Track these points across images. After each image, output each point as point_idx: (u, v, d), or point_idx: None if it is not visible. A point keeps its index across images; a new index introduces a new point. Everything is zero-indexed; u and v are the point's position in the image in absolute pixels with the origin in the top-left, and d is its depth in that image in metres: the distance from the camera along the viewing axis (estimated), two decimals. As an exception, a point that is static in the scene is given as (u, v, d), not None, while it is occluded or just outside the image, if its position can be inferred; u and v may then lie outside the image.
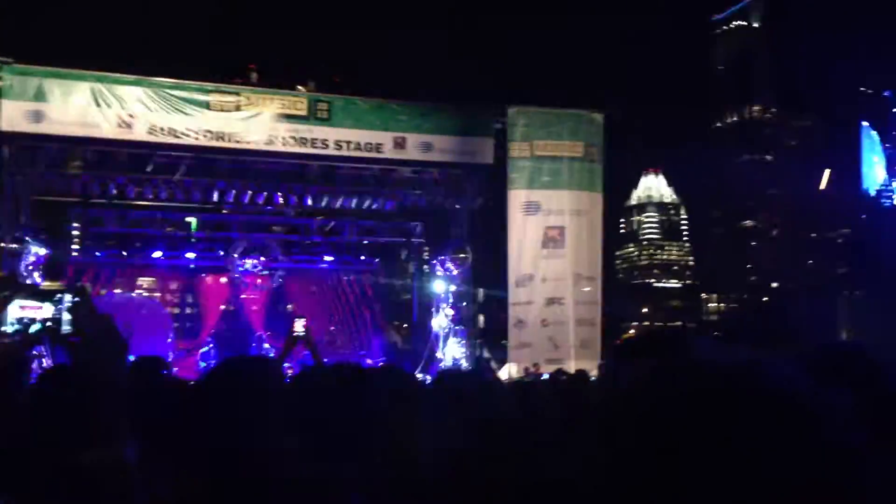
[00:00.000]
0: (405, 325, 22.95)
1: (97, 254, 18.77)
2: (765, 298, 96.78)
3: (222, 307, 20.09)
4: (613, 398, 0.80)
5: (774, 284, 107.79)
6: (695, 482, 0.70)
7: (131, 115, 15.56)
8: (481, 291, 19.37)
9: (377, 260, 20.50)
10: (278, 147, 16.46)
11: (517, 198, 17.87)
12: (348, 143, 16.82)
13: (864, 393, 1.46)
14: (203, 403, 2.30)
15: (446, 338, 18.30)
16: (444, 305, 18.49)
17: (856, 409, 0.76)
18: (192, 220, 19.26)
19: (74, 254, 18.95)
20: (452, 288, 18.53)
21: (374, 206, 19.39)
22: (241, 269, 19.19)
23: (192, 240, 19.34)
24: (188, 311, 21.61)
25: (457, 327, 18.29)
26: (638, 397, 0.78)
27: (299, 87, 17.35)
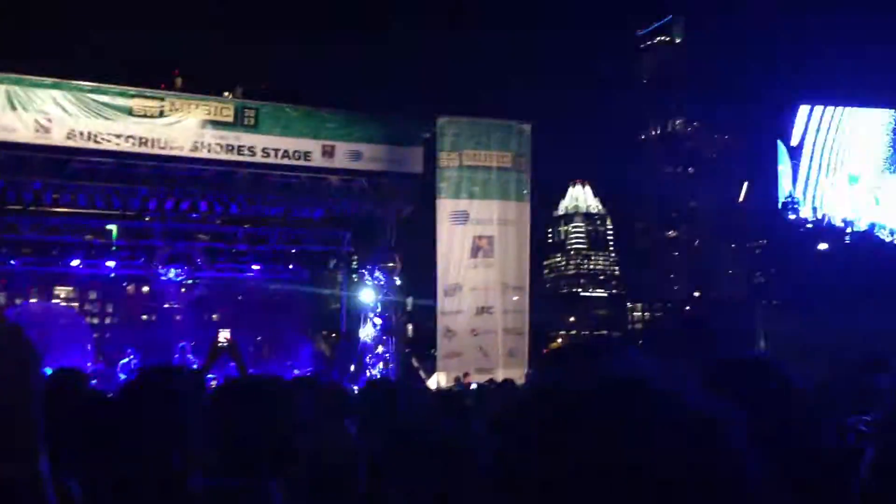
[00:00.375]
0: (333, 335, 22.77)
1: (12, 262, 18.11)
2: (687, 308, 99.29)
3: (144, 317, 19.60)
4: (515, 403, 0.80)
5: (697, 294, 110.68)
6: (579, 488, 0.70)
7: (49, 119, 15.06)
8: (410, 300, 19.36)
9: (305, 269, 20.29)
10: (204, 154, 16.16)
11: (445, 207, 17.94)
12: (276, 150, 16.63)
13: (763, 409, 1.51)
14: (121, 416, 2.25)
15: (375, 347, 18.21)
16: (373, 315, 18.41)
17: (752, 425, 0.77)
18: (113, 228, 18.74)
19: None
20: (381, 297, 18.45)
21: (302, 215, 19.19)
22: (163, 278, 18.76)
23: (113, 248, 18.82)
24: (108, 321, 21.03)
25: (385, 337, 18.22)
26: (528, 404, 0.78)
27: (226, 94, 17.09)
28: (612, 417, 0.71)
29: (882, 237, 22.69)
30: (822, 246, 22.50)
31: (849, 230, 23.02)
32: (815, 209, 22.61)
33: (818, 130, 21.65)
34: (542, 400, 0.77)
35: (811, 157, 22.01)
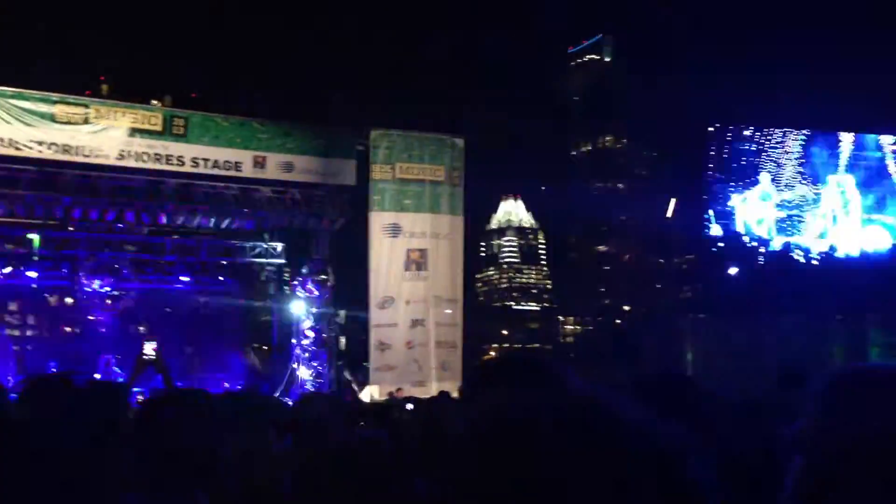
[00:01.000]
0: (265, 348, 22.45)
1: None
2: (617, 321, 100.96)
3: (67, 329, 19.01)
4: (467, 423, 0.79)
5: (626, 308, 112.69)
6: None
7: (-33, 125, 14.56)
8: (343, 313, 19.26)
9: (236, 281, 19.97)
10: (130, 163, 15.84)
11: (379, 219, 17.92)
12: (206, 160, 16.40)
13: (689, 422, 1.54)
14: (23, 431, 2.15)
15: (307, 360, 18.03)
16: (305, 327, 18.23)
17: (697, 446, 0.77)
18: (35, 237, 18.15)
19: None
20: (313, 309, 18.30)
21: (233, 226, 18.91)
22: (87, 289, 18.23)
23: (35, 258, 18.22)
24: (30, 333, 20.34)
25: (318, 349, 18.06)
26: (482, 424, 0.77)
27: (154, 102, 16.77)
28: (569, 446, 0.70)
29: (796, 257, 23.53)
30: (732, 270, 23.21)
31: (762, 249, 23.81)
32: (724, 226, 23.31)
33: (733, 149, 22.31)
34: (486, 433, 0.75)
35: (729, 175, 22.68)
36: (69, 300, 18.90)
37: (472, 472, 0.74)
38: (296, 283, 18.61)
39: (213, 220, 18.48)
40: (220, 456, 2.25)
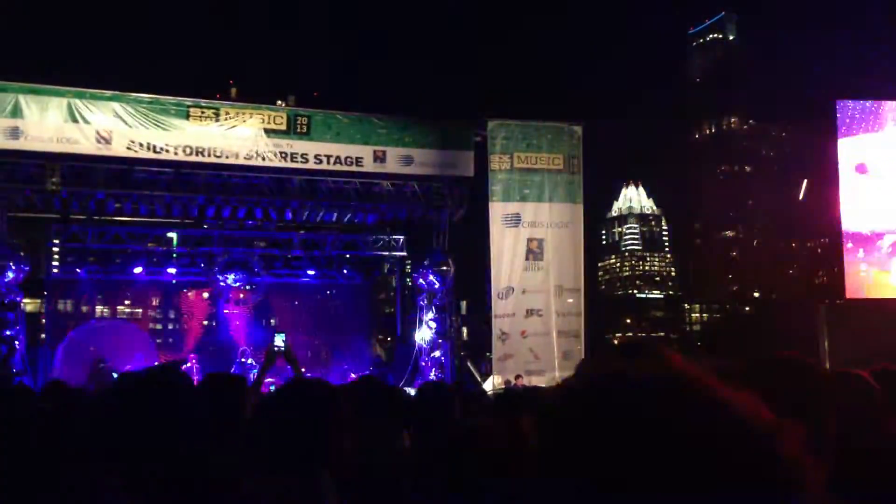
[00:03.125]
0: (389, 339, 22.92)
1: (78, 270, 18.64)
2: (746, 308, 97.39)
3: (205, 322, 19.99)
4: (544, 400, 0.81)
5: (756, 294, 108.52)
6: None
7: (109, 131, 15.49)
8: (464, 304, 19.36)
9: (360, 273, 20.47)
10: (258, 161, 16.44)
11: (498, 210, 17.92)
12: (328, 157, 16.82)
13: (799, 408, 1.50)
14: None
15: (430, 350, 18.27)
16: (427, 318, 18.47)
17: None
18: (173, 236, 19.18)
19: (55, 271, 18.84)
20: (435, 300, 18.50)
21: (355, 220, 19.38)
22: (222, 283, 19.13)
23: (174, 255, 19.26)
24: (170, 326, 21.50)
25: (440, 340, 18.27)
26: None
27: (279, 102, 17.37)
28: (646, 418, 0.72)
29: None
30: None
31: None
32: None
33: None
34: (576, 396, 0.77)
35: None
36: (206, 294, 19.85)
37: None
38: (417, 274, 18.88)
39: (336, 214, 19.00)
40: (341, 440, 2.35)
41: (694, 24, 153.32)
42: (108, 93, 15.81)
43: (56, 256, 19.02)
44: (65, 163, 15.75)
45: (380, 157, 17.11)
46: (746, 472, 0.70)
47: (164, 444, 2.06)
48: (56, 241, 18.50)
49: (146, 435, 2.06)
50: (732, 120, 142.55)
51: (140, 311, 21.15)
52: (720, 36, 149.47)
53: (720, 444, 0.70)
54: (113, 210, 17.90)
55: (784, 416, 0.75)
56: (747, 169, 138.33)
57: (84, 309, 19.63)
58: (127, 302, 21.28)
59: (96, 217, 18.27)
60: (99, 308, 20.29)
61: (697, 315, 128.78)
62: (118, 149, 15.60)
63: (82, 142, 15.36)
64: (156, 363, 18.09)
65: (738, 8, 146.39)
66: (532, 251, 18.03)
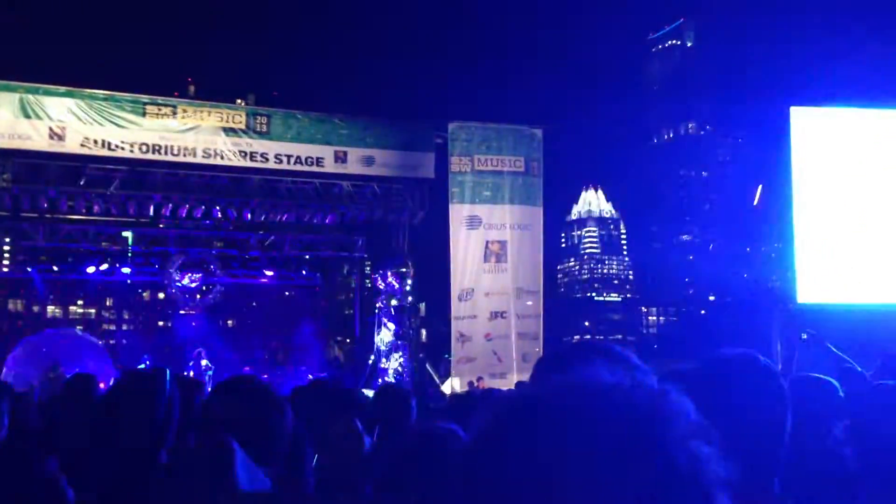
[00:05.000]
0: (347, 340, 22.82)
1: (28, 269, 18.25)
2: (703, 311, 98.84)
3: (160, 323, 19.72)
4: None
5: (711, 298, 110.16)
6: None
7: (63, 127, 15.18)
8: (423, 306, 19.34)
9: (318, 274, 20.34)
10: (216, 160, 16.24)
11: (459, 212, 17.93)
12: (289, 156, 16.69)
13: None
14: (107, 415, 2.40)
15: (389, 352, 18.21)
16: (386, 320, 18.42)
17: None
18: (129, 235, 18.88)
19: (5, 269, 18.43)
20: (394, 302, 18.47)
21: (314, 221, 19.25)
22: (178, 284, 18.87)
23: (129, 255, 18.96)
24: (124, 327, 21.18)
25: (399, 342, 18.23)
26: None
27: (238, 101, 17.18)
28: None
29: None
30: None
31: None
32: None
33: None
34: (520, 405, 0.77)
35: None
36: (161, 295, 19.59)
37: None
38: (377, 276, 18.81)
39: (295, 215, 18.85)
40: (279, 436, 2.36)
41: (653, 30, 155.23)
42: (63, 88, 15.50)
43: (6, 255, 18.60)
44: (16, 159, 15.41)
45: (341, 158, 17.02)
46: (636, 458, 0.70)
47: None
48: (6, 240, 18.09)
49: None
50: (690, 125, 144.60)
51: (93, 311, 20.86)
52: (678, 42, 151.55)
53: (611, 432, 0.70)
54: (65, 208, 17.54)
55: (738, 410, 0.74)
56: (704, 174, 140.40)
57: (35, 308, 19.25)
58: (80, 302, 20.93)
59: (48, 215, 17.88)
60: (51, 308, 19.94)
61: (654, 318, 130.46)
62: (72, 145, 15.28)
63: (34, 138, 15.02)
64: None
65: (697, 15, 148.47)
66: (495, 253, 18.07)
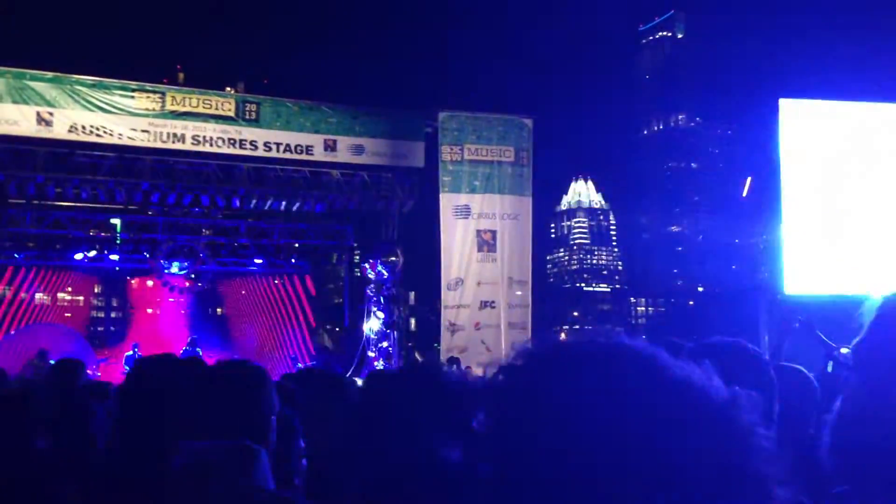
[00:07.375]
0: (337, 329, 22.80)
1: (16, 255, 18.15)
2: (690, 302, 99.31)
3: (149, 311, 19.65)
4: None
5: (700, 289, 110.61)
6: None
7: (51, 113, 15.08)
8: (413, 294, 19.35)
9: (308, 263, 20.31)
10: (205, 147, 16.19)
11: (448, 201, 17.93)
12: (278, 144, 16.65)
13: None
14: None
15: (378, 341, 18.23)
16: (375, 308, 18.43)
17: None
18: (117, 222, 18.79)
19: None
20: (384, 291, 18.46)
21: (303, 209, 19.20)
22: (167, 271, 18.80)
23: (117, 242, 18.86)
24: (113, 315, 21.10)
25: (388, 330, 18.24)
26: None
27: (227, 88, 17.11)
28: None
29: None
30: None
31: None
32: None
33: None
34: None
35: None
36: (150, 283, 19.51)
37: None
38: (366, 264, 18.80)
39: (284, 203, 18.79)
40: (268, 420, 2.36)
41: (643, 21, 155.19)
42: (50, 74, 15.38)
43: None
44: (3, 145, 15.30)
45: (330, 146, 16.99)
46: (705, 441, 0.69)
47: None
48: (-7, 226, 17.96)
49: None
50: (680, 117, 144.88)
51: (81, 298, 20.69)
52: (669, 34, 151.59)
53: (678, 414, 0.69)
54: (53, 194, 17.43)
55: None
56: (693, 165, 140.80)
57: (23, 295, 19.12)
58: (68, 289, 20.78)
59: (36, 201, 17.77)
60: (38, 295, 19.78)
61: (643, 308, 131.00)
62: (60, 131, 15.19)
63: (22, 123, 14.92)
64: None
65: (687, 7, 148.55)
66: (486, 242, 18.09)
